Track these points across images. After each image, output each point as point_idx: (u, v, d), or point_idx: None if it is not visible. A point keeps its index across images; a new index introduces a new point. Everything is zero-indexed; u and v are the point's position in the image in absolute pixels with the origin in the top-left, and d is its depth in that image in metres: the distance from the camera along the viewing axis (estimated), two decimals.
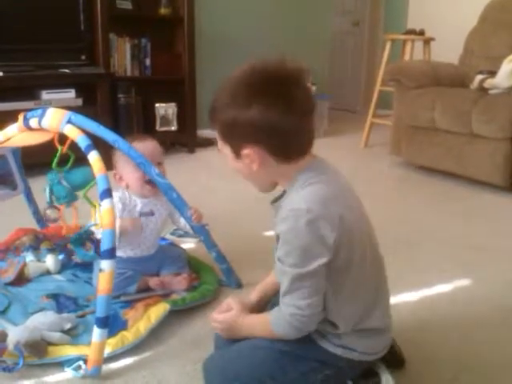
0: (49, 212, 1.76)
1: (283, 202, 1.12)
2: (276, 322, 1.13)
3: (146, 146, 1.71)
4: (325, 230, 1.02)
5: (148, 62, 3.88)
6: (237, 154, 1.08)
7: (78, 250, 1.61)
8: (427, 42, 4.31)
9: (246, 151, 1.06)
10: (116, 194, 1.72)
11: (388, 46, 4.25)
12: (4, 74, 3.07)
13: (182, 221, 1.79)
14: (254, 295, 1.34)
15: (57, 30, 3.36)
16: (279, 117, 1.01)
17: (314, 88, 4.57)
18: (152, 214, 1.77)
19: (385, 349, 1.22)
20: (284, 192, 1.14)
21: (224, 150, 1.12)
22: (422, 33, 4.29)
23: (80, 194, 1.64)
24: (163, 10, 3.87)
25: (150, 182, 1.71)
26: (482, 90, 3.21)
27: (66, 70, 3.35)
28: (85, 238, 1.67)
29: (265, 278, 1.39)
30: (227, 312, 1.26)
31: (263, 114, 1.01)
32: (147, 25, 3.87)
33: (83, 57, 3.47)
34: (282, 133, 1.03)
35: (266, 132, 1.03)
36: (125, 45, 3.77)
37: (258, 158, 1.06)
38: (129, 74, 3.81)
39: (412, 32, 4.30)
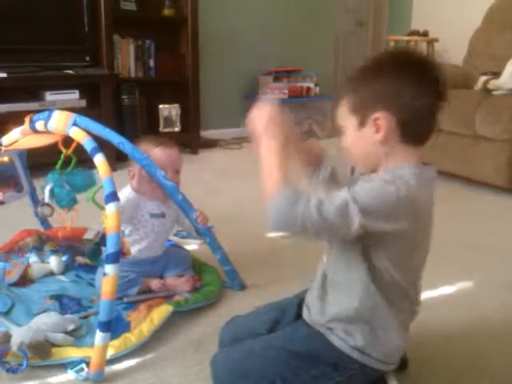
0: (40, 209, 1.76)
1: (380, 172, 1.10)
2: (288, 191, 1.01)
3: (169, 153, 1.74)
4: (404, 215, 1.03)
5: (152, 63, 3.89)
6: (365, 119, 1.08)
7: (97, 261, 1.61)
8: (431, 42, 4.32)
9: (377, 115, 1.06)
10: (127, 192, 1.71)
11: (391, 46, 4.24)
12: (8, 75, 3.08)
13: (187, 223, 1.79)
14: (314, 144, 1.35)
15: (61, 31, 3.37)
16: (417, 95, 1.05)
17: (317, 89, 4.58)
18: (163, 215, 1.77)
19: (396, 362, 1.21)
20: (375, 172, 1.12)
21: (347, 123, 1.11)
22: (425, 34, 4.30)
23: (81, 196, 1.65)
24: (167, 11, 3.87)
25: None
26: (486, 91, 3.20)
27: (70, 71, 3.36)
28: (96, 248, 1.68)
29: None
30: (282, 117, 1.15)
31: (404, 87, 1.04)
32: (151, 26, 3.88)
33: (87, 58, 3.48)
34: (414, 110, 1.05)
35: (402, 104, 1.05)
36: (129, 46, 3.77)
37: (385, 125, 1.05)
38: (133, 75, 3.82)
39: (416, 33, 4.31)
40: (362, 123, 1.08)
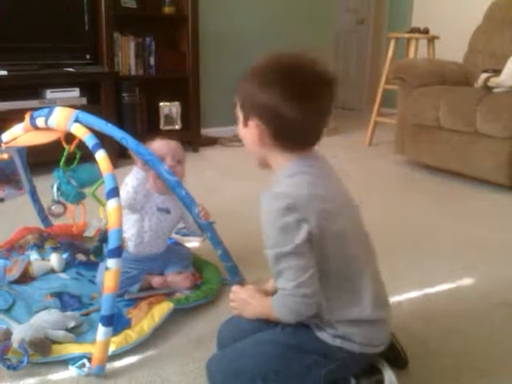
0: (54, 207, 1.77)
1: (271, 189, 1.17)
2: (275, 304, 1.17)
3: (169, 143, 1.76)
4: (302, 215, 1.07)
5: (152, 60, 3.89)
6: (245, 121, 1.16)
7: (102, 259, 1.61)
8: (431, 40, 4.30)
9: (251, 122, 1.13)
10: (136, 173, 1.68)
11: (392, 44, 4.24)
12: (8, 73, 3.08)
13: (191, 219, 1.79)
14: (268, 284, 1.38)
15: (61, 29, 3.37)
16: (290, 110, 1.08)
17: None
18: (168, 211, 1.77)
19: (384, 343, 1.22)
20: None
21: (239, 115, 1.19)
22: (426, 31, 4.28)
23: (88, 191, 1.65)
24: (167, 9, 3.87)
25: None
26: (487, 88, 3.19)
27: (71, 69, 3.36)
28: (102, 244, 1.68)
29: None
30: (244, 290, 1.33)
31: (276, 101, 1.08)
32: (151, 24, 3.88)
33: (88, 56, 3.48)
34: (286, 123, 1.10)
35: (269, 114, 1.10)
36: (129, 44, 3.77)
37: (258, 133, 1.13)
38: (133, 72, 3.82)
39: (416, 30, 4.29)
40: (244, 123, 1.16)
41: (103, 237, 1.58)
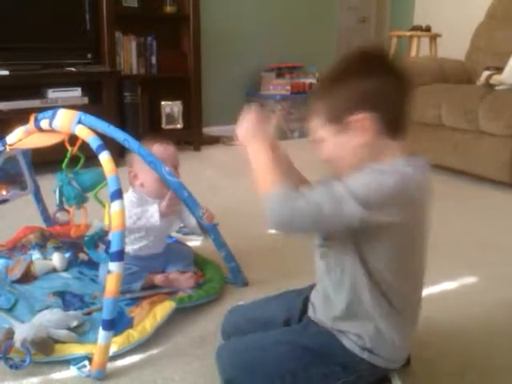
0: (59, 215, 1.77)
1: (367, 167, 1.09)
2: (281, 188, 1.03)
3: (166, 149, 1.75)
4: (402, 204, 1.01)
5: (154, 60, 3.89)
6: (345, 124, 1.06)
7: (92, 252, 1.61)
8: (433, 38, 4.30)
9: (359, 116, 1.04)
10: (131, 195, 1.72)
11: (394, 42, 4.24)
12: (10, 73, 3.09)
13: (193, 222, 1.78)
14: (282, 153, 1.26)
15: (63, 28, 3.38)
16: (395, 89, 1.08)
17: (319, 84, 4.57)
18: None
19: (405, 359, 1.21)
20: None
21: (323, 132, 1.10)
22: (428, 29, 4.28)
23: (90, 194, 1.65)
24: (169, 8, 3.87)
25: None
26: (489, 86, 3.19)
27: (72, 69, 3.36)
28: (97, 239, 1.68)
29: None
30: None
31: (382, 83, 1.06)
32: (153, 23, 3.88)
33: (89, 55, 3.49)
34: (395, 104, 1.09)
35: (383, 100, 1.06)
36: (130, 43, 3.77)
37: (370, 125, 1.05)
38: (135, 72, 3.82)
39: (418, 28, 4.29)
40: (343, 129, 1.07)
41: (100, 234, 1.58)
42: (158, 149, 1.72)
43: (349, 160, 1.10)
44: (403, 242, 1.08)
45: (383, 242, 1.06)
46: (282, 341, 1.18)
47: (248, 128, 1.15)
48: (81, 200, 1.70)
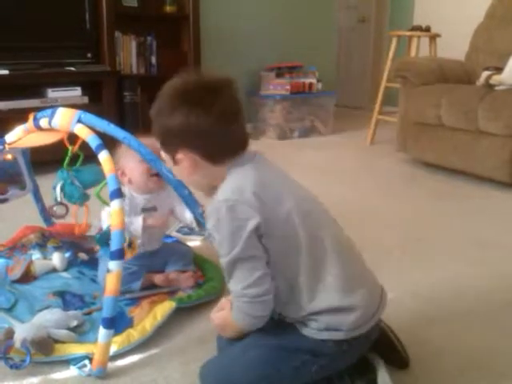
0: (56, 208, 1.77)
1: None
2: (234, 314, 1.17)
3: (153, 142, 1.72)
4: (245, 213, 1.08)
5: (154, 59, 3.89)
6: (173, 159, 1.17)
7: (105, 250, 1.61)
8: (433, 38, 4.29)
9: (179, 156, 1.15)
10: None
11: (394, 42, 4.23)
12: (10, 73, 3.08)
13: (187, 216, 1.78)
14: None
15: (62, 28, 3.38)
16: (199, 120, 1.10)
17: (319, 85, 4.57)
18: (155, 209, 1.77)
19: (371, 320, 1.17)
20: None
21: (165, 157, 1.21)
22: (427, 29, 4.27)
23: (91, 192, 1.65)
24: (168, 8, 3.87)
25: (156, 175, 1.72)
26: (489, 86, 3.19)
27: (72, 68, 3.36)
28: (108, 234, 1.67)
29: None
30: (220, 311, 1.29)
31: (184, 120, 1.10)
32: (153, 22, 3.88)
33: (89, 55, 3.49)
34: (204, 135, 1.11)
35: (190, 136, 1.12)
36: (130, 42, 3.78)
37: (190, 162, 1.14)
38: (134, 71, 3.82)
39: (418, 28, 4.28)
40: (173, 161, 1.18)
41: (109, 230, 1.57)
42: (156, 143, 1.69)
43: (193, 184, 1.24)
44: (281, 233, 1.12)
45: (274, 241, 1.12)
46: (248, 347, 1.19)
47: (219, 325, 1.28)
48: (83, 199, 1.70)
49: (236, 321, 1.17)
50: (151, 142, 1.71)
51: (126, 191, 1.74)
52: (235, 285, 1.12)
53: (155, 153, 1.64)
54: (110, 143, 1.52)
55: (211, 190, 1.19)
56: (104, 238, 1.59)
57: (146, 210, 1.76)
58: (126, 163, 1.72)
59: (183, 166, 1.16)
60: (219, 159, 1.15)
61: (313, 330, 1.15)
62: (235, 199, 1.09)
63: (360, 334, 1.16)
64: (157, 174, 1.72)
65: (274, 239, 1.11)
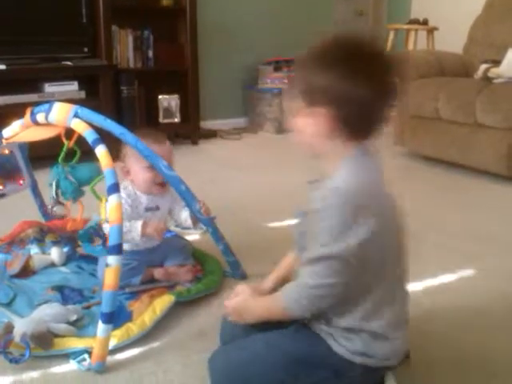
0: (56, 209, 1.77)
1: (324, 183, 1.10)
2: (288, 294, 1.11)
3: (163, 149, 1.71)
4: (364, 218, 1.02)
5: (151, 53, 3.87)
6: (311, 111, 1.06)
7: (86, 245, 1.61)
8: (431, 31, 4.29)
9: (319, 109, 1.04)
10: (122, 191, 1.72)
11: (392, 35, 4.23)
12: (7, 67, 3.07)
13: (183, 216, 1.79)
14: (270, 278, 1.33)
15: (59, 22, 3.36)
16: (356, 88, 1.01)
17: None
18: (158, 208, 1.78)
19: (403, 352, 1.18)
20: (322, 177, 1.13)
21: (294, 103, 1.10)
22: (425, 22, 4.27)
23: (86, 188, 1.65)
24: (165, 1, 3.86)
25: (160, 184, 1.72)
26: (487, 79, 3.19)
27: (69, 63, 3.35)
28: (92, 232, 1.67)
29: (274, 266, 1.36)
30: (237, 297, 1.26)
31: (354, 85, 1.01)
32: (149, 16, 3.86)
33: (86, 49, 3.48)
34: (363, 107, 1.03)
35: (342, 98, 1.03)
36: (127, 37, 3.76)
37: (325, 121, 1.04)
38: (131, 65, 3.81)
39: (415, 22, 4.29)
40: (305, 113, 1.07)
41: (92, 226, 1.58)
42: (154, 146, 1.67)
43: (307, 143, 1.12)
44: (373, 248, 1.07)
45: (373, 250, 1.07)
46: (270, 349, 1.15)
47: (236, 309, 1.23)
48: (77, 194, 1.70)
49: (286, 302, 1.11)
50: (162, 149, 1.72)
51: (130, 188, 1.74)
52: (314, 274, 1.05)
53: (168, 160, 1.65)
54: (107, 137, 1.52)
55: (315, 156, 1.14)
56: (87, 234, 1.59)
57: (149, 210, 1.76)
58: (133, 165, 1.72)
59: (314, 122, 1.06)
60: (354, 135, 1.07)
61: (346, 351, 1.11)
62: (362, 199, 1.03)
63: (388, 366, 1.15)
64: (161, 183, 1.72)
65: (375, 246, 1.06)
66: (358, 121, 1.06)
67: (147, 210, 1.76)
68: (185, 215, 1.78)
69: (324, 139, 1.07)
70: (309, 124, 1.07)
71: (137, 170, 1.72)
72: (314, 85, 1.04)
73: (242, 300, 1.23)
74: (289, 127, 1.14)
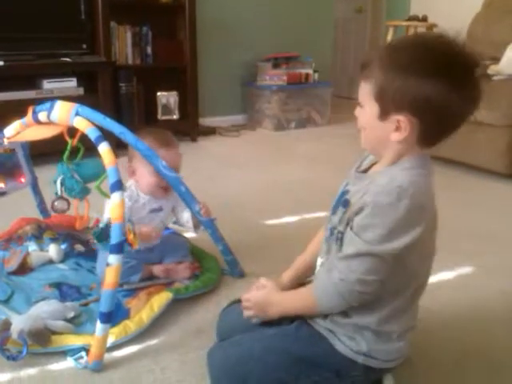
0: (57, 203, 1.76)
1: (379, 174, 1.07)
2: (322, 288, 1.09)
3: (169, 154, 1.69)
4: (417, 222, 1.02)
5: (149, 50, 3.86)
6: (386, 115, 1.02)
7: (103, 245, 1.60)
8: (430, 28, 4.29)
9: (401, 118, 0.99)
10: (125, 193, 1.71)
11: (391, 32, 4.22)
12: (5, 63, 3.06)
13: (185, 217, 1.78)
14: (285, 276, 1.31)
15: (57, 19, 3.35)
16: (451, 101, 0.97)
17: (316, 75, 4.56)
18: (161, 209, 1.78)
19: (406, 353, 1.17)
20: (378, 171, 1.10)
21: (368, 105, 1.05)
22: (424, 19, 4.27)
23: (92, 185, 1.64)
24: None
25: (164, 188, 1.72)
26: (486, 76, 3.18)
27: (67, 59, 3.34)
28: (107, 230, 1.66)
29: (292, 265, 1.35)
30: (259, 290, 1.24)
31: (440, 93, 0.96)
32: (148, 12, 3.84)
33: (84, 45, 3.46)
34: (444, 116, 1.00)
35: (435, 113, 0.99)
36: (126, 33, 3.74)
37: (408, 129, 1.00)
38: (130, 62, 3.79)
39: (415, 18, 4.28)
40: (383, 116, 1.02)
41: (107, 224, 1.57)
42: (160, 151, 1.64)
43: (373, 142, 1.09)
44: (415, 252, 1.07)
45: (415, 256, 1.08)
46: (271, 348, 1.14)
47: (258, 311, 1.21)
48: (84, 193, 1.69)
49: (319, 296, 1.09)
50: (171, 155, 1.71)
51: (133, 189, 1.74)
52: (352, 269, 1.03)
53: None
54: (108, 133, 1.51)
55: (378, 153, 1.10)
56: (102, 233, 1.58)
57: (154, 211, 1.76)
58: (139, 166, 1.71)
59: (390, 128, 1.01)
60: (429, 144, 1.05)
61: (350, 351, 1.10)
62: (423, 203, 1.03)
63: (390, 368, 1.15)
64: (165, 188, 1.72)
65: (416, 251, 1.05)
66: (438, 130, 1.04)
67: (151, 211, 1.75)
68: (186, 216, 1.77)
69: (392, 142, 1.04)
70: (381, 127, 1.03)
71: (142, 173, 1.71)
72: (405, 91, 0.97)
73: (265, 293, 1.21)
74: (359, 119, 1.10)
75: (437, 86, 0.95)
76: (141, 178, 1.73)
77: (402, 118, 0.99)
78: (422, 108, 0.98)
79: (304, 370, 1.12)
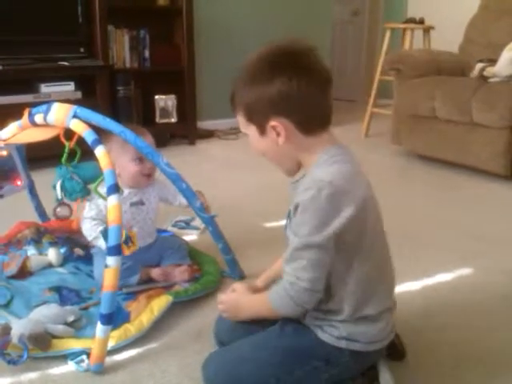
0: (59, 210, 1.76)
1: (305, 178, 1.13)
2: (274, 295, 1.14)
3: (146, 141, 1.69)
4: (344, 205, 1.05)
5: (147, 53, 3.87)
6: (263, 129, 1.11)
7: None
8: (427, 30, 4.29)
9: (272, 123, 1.08)
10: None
11: (388, 34, 4.23)
12: (3, 67, 3.06)
13: (182, 201, 1.79)
14: (260, 280, 1.37)
15: (55, 22, 3.35)
16: (301, 88, 1.05)
17: None
18: (142, 203, 1.77)
19: (390, 335, 1.19)
20: (304, 175, 1.15)
21: (248, 131, 1.14)
22: (421, 21, 4.27)
23: (91, 187, 1.65)
24: (161, 1, 3.85)
25: (147, 175, 1.73)
26: (482, 78, 3.19)
27: (65, 63, 3.34)
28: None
29: (270, 266, 1.40)
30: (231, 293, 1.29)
31: (286, 86, 1.05)
32: (146, 16, 3.85)
33: (82, 49, 3.47)
34: (305, 103, 1.07)
35: (291, 103, 1.06)
36: (123, 37, 3.75)
37: (284, 130, 1.08)
38: (128, 65, 3.80)
39: (412, 21, 4.28)
40: (261, 131, 1.11)
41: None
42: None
43: (277, 159, 1.16)
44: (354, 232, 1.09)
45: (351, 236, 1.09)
46: (260, 346, 1.18)
47: (231, 312, 1.28)
48: (85, 193, 1.69)
49: (273, 301, 1.14)
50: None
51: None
52: (296, 269, 1.07)
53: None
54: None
55: (296, 167, 1.16)
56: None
57: (134, 204, 1.76)
58: (118, 158, 1.70)
59: (273, 137, 1.10)
60: (312, 129, 1.10)
61: (331, 337, 1.14)
62: (343, 188, 1.05)
63: (375, 349, 1.17)
64: (148, 174, 1.73)
65: (354, 230, 1.07)
66: (310, 116, 1.09)
67: (132, 205, 1.75)
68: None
69: (290, 148, 1.11)
70: (268, 141, 1.11)
71: (124, 164, 1.71)
72: (261, 98, 1.07)
73: (236, 297, 1.27)
74: (253, 150, 1.17)
75: (282, 81, 1.05)
76: (122, 170, 1.72)
77: (274, 123, 1.08)
78: (281, 106, 1.06)
79: (295, 363, 1.15)
